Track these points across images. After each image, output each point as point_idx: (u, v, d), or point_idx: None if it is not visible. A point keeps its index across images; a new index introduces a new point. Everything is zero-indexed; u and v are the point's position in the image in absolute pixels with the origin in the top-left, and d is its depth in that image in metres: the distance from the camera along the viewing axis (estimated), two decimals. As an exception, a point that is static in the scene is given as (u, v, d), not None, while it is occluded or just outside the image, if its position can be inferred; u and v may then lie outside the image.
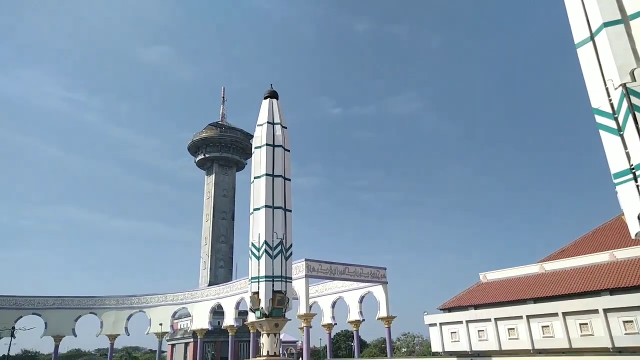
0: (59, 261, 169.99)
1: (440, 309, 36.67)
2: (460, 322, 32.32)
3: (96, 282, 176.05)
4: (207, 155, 75.09)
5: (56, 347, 49.09)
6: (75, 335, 49.46)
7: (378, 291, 41.45)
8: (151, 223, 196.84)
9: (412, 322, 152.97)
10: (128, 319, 50.50)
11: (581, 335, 25.05)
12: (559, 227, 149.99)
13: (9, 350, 43.41)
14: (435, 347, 34.88)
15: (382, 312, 40.65)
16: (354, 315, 43.39)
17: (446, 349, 33.54)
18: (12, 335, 42.49)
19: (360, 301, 43.24)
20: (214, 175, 74.67)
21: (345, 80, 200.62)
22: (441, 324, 34.17)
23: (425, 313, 36.78)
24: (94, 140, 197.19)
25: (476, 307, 33.34)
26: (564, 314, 25.90)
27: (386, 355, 42.06)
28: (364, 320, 43.52)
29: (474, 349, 30.97)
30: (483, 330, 30.81)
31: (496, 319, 29.94)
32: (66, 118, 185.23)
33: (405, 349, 67.67)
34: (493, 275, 36.46)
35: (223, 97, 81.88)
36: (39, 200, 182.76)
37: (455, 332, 32.66)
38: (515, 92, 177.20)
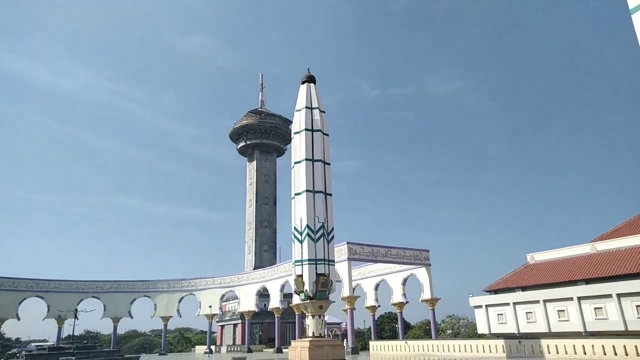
0: (113, 247, 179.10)
1: (486, 291, 36.08)
2: (507, 304, 31.76)
3: (149, 266, 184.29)
4: (248, 142, 76.30)
5: (115, 328, 52.17)
6: (132, 317, 52.34)
7: (421, 273, 41.23)
8: (198, 209, 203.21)
9: (457, 304, 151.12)
10: (179, 301, 52.80)
11: (638, 318, 24.05)
12: (610, 206, 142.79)
13: (73, 330, 46.49)
14: (481, 329, 34.48)
15: (426, 294, 40.47)
16: (398, 297, 43.44)
17: (493, 331, 33.10)
18: (76, 317, 45.39)
19: (404, 283, 43.19)
20: (255, 161, 75.90)
21: (382, 61, 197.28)
22: (487, 305, 33.71)
23: (471, 295, 36.32)
24: (139, 130, 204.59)
25: (524, 288, 32.57)
26: (619, 295, 24.92)
27: (431, 337, 41.94)
28: (407, 302, 43.51)
29: (521, 331, 30.41)
30: (531, 312, 30.16)
31: (545, 301, 29.21)
32: (113, 110, 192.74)
33: (450, 331, 67.13)
34: (541, 256, 35.40)
35: (261, 84, 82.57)
36: (91, 190, 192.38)
37: (502, 314, 32.14)
38: (561, 67, 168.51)
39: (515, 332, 30.68)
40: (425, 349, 30.82)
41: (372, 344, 37.32)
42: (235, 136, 78.33)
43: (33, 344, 50.00)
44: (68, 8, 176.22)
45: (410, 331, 66.18)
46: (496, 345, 26.42)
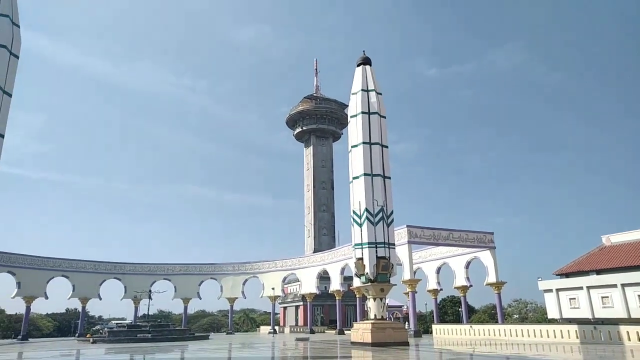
0: (182, 233, 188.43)
1: (557, 275, 34.42)
2: (580, 288, 30.16)
3: (215, 250, 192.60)
4: (304, 128, 76.93)
5: (185, 308, 55.24)
6: (200, 298, 55.14)
7: (485, 256, 39.97)
8: (261, 196, 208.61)
9: (524, 288, 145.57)
10: (244, 283, 54.85)
11: None
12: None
13: (148, 309, 49.82)
14: (552, 313, 33.02)
15: (491, 278, 39.25)
16: (461, 280, 42.48)
17: (564, 316, 31.61)
18: (150, 297, 48.54)
19: (467, 267, 42.12)
20: (311, 146, 76.50)
21: (439, 39, 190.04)
22: (558, 290, 32.20)
23: (540, 279, 34.81)
24: (203, 121, 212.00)
25: (598, 272, 30.76)
26: None
27: (497, 322, 40.73)
28: (471, 286, 42.44)
29: (596, 316, 28.81)
30: (607, 297, 28.48)
31: (623, 285, 27.45)
32: (178, 102, 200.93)
33: (517, 316, 64.87)
34: (618, 238, 33.14)
35: (316, 69, 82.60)
36: (159, 179, 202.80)
37: (574, 299, 30.60)
38: (634, 34, 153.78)
39: (590, 317, 29.10)
40: (492, 334, 30.01)
41: (435, 327, 36.87)
42: (292, 122, 79.20)
43: (113, 322, 54.11)
44: (129, 5, 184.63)
45: (475, 315, 64.65)
46: (569, 331, 25.20)
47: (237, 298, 54.83)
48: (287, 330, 57.71)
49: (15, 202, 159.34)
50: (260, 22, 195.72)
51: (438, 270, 44.72)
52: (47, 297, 48.57)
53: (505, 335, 28.83)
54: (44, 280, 47.92)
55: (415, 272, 40.45)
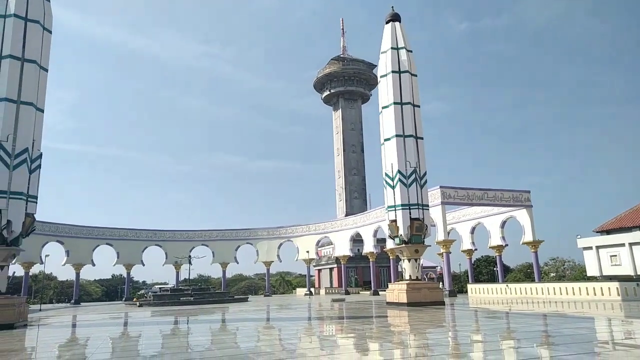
0: (217, 200, 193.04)
1: (597, 232, 33.57)
2: (622, 245, 29.39)
3: (250, 216, 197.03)
4: (332, 91, 75.92)
5: (223, 272, 57.23)
6: (237, 263, 56.93)
7: (522, 215, 39.28)
8: (289, 161, 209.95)
9: (561, 247, 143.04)
10: (279, 247, 56.14)
11: None
12: None
13: (188, 274, 52.00)
14: (591, 271, 32.45)
15: (528, 237, 38.68)
16: (496, 240, 42.06)
17: (604, 273, 31.02)
18: (189, 262, 50.49)
19: (502, 226, 41.56)
20: (340, 109, 75.67)
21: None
22: (598, 247, 31.49)
23: (579, 236, 34.10)
24: (231, 89, 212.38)
25: (642, 228, 29.76)
26: None
27: (533, 280, 40.44)
28: (506, 245, 42.00)
29: (639, 273, 28.09)
30: (651, 253, 27.60)
31: (669, 241, 26.48)
32: (205, 71, 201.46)
33: (554, 274, 64.09)
34: (664, 193, 31.72)
35: (342, 29, 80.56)
36: (192, 148, 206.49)
37: (615, 256, 29.90)
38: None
39: (632, 274, 28.44)
40: (528, 292, 29.84)
41: (470, 286, 36.94)
42: (320, 85, 78.24)
43: (157, 286, 56.68)
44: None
45: (510, 274, 64.34)
46: (609, 288, 24.73)
47: (272, 262, 56.27)
48: (322, 292, 59.12)
49: (58, 175, 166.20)
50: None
51: (472, 231, 44.36)
52: (94, 264, 51.26)
53: (542, 294, 28.61)
54: (90, 248, 50.43)
55: (449, 233, 40.29)
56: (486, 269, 65.11)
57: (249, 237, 56.78)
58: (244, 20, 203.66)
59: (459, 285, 54.80)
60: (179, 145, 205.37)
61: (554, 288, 28.42)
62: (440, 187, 36.37)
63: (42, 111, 18.49)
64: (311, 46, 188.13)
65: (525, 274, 62.20)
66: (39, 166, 18.09)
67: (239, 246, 56.52)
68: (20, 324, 16.63)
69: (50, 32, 19.24)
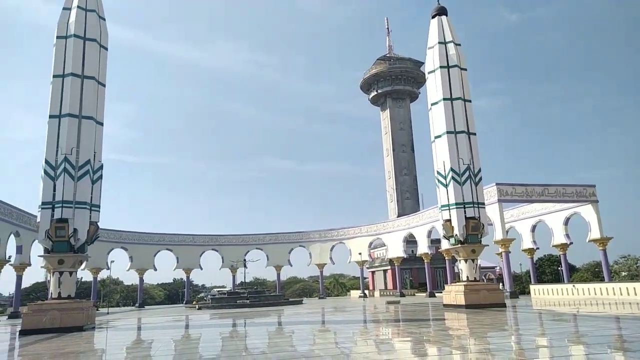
0: (269, 204, 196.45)
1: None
2: None
3: (301, 220, 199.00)
4: (379, 91, 75.21)
5: (278, 275, 57.97)
6: (291, 265, 57.50)
7: (587, 211, 36.96)
8: (338, 164, 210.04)
9: (634, 244, 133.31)
10: (331, 249, 56.15)
11: None
12: None
13: (244, 277, 53.06)
14: (670, 269, 29.88)
15: (594, 234, 36.34)
16: (559, 238, 39.82)
17: (685, 272, 28.45)
18: (245, 266, 51.60)
19: (566, 223, 39.29)
20: (388, 109, 74.79)
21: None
22: (676, 243, 28.99)
23: (653, 232, 31.48)
24: (278, 95, 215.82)
25: None
26: None
27: (602, 280, 37.88)
28: (571, 243, 39.67)
29: None
30: None
31: None
32: (254, 78, 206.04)
33: (625, 273, 59.76)
34: None
35: (387, 28, 79.75)
36: (244, 155, 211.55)
37: (697, 253, 27.29)
38: None
39: None
40: (597, 293, 27.95)
41: (533, 287, 35.17)
42: (366, 87, 77.75)
43: (215, 290, 58.36)
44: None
45: (576, 274, 60.68)
46: (691, 288, 22.66)
47: (325, 264, 56.35)
48: (376, 294, 58.49)
49: (118, 185, 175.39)
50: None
51: (533, 229, 42.25)
52: (155, 269, 53.58)
53: (614, 294, 26.68)
54: (151, 254, 52.75)
55: (507, 232, 38.66)
56: (549, 269, 61.80)
57: (302, 240, 57.21)
58: (287, 26, 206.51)
59: (520, 286, 52.34)
60: (231, 152, 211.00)
61: (626, 288, 26.41)
62: (497, 184, 34.96)
63: (102, 124, 19.54)
64: (356, 47, 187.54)
65: (593, 274, 58.44)
66: (101, 177, 19.10)
67: (292, 249, 57.07)
68: (89, 327, 17.56)
69: (106, 49, 20.33)
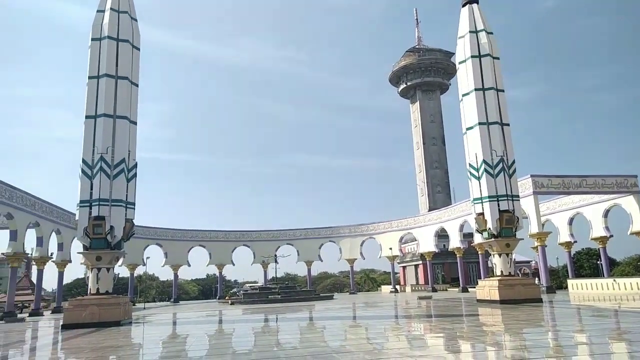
0: (299, 199, 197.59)
1: None
2: None
3: (331, 215, 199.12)
4: (408, 84, 74.20)
5: (308, 270, 58.21)
6: (322, 261, 57.56)
7: (628, 202, 35.40)
8: (367, 158, 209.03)
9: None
10: (361, 245, 55.91)
11: None
12: None
13: (275, 273, 53.61)
14: None
15: (636, 226, 34.78)
16: (598, 231, 38.34)
17: None
18: (276, 262, 52.06)
19: (605, 215, 37.76)
20: (418, 102, 73.74)
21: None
22: None
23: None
24: (307, 89, 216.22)
25: None
26: None
27: (646, 274, 36.36)
28: (611, 236, 38.13)
29: None
30: None
31: None
32: (284, 75, 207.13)
33: (671, 267, 57.15)
34: None
35: (416, 19, 78.50)
36: (273, 151, 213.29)
37: None
38: None
39: None
40: (640, 288, 26.80)
41: (571, 282, 34.06)
42: (396, 79, 76.85)
43: (247, 285, 59.17)
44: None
45: (617, 268, 58.35)
46: None
47: (356, 259, 56.17)
48: (408, 289, 57.96)
49: (152, 182, 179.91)
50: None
51: (570, 221, 40.83)
52: (189, 265, 54.71)
53: (659, 289, 25.53)
54: (185, 250, 53.89)
55: (543, 225, 37.54)
56: (588, 263, 59.72)
57: (332, 235, 57.21)
58: (315, 21, 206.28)
59: (557, 281, 50.79)
60: (261, 148, 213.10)
61: (672, 283, 25.24)
62: (531, 175, 33.94)
63: (135, 123, 20.04)
64: (386, 40, 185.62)
65: (636, 268, 56.09)
66: (135, 175, 19.60)
67: (322, 244, 57.14)
68: (126, 322, 18.11)
69: (138, 49, 20.81)
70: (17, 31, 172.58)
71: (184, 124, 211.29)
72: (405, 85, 74.80)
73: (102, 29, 19.81)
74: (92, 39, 19.94)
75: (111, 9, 20.16)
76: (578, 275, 51.65)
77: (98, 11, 20.32)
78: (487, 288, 21.60)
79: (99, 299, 17.63)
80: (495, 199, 21.82)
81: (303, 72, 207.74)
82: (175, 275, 54.97)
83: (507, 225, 21.56)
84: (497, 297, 20.38)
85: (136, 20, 20.96)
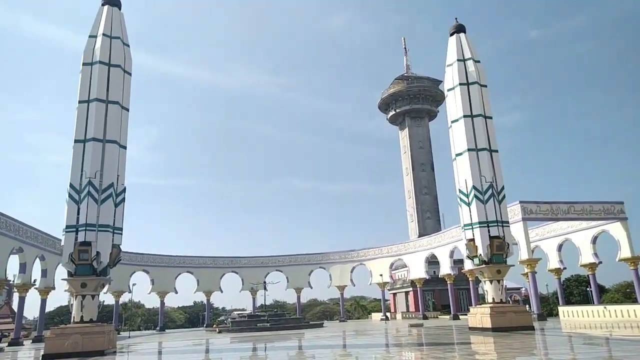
0: (287, 225, 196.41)
1: None
2: None
3: (321, 241, 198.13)
4: (397, 110, 75.24)
5: (298, 297, 57.34)
6: (311, 287, 56.76)
7: (616, 229, 35.72)
8: (359, 183, 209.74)
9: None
10: (351, 271, 55.35)
11: None
12: None
13: (264, 300, 52.72)
14: None
15: (624, 253, 35.01)
16: (587, 257, 38.48)
17: None
18: (265, 289, 51.22)
19: (594, 242, 38.01)
20: (407, 128, 74.64)
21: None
22: None
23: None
24: (297, 115, 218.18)
25: None
26: None
27: (634, 301, 36.34)
28: (600, 262, 38.28)
29: None
30: None
31: None
32: (275, 100, 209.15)
33: (659, 294, 57.36)
34: None
35: (405, 48, 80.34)
36: (263, 175, 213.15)
37: None
38: None
39: None
40: (630, 315, 26.76)
41: (562, 309, 33.93)
42: (385, 106, 77.94)
43: (235, 313, 57.95)
44: (219, 13, 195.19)
45: (606, 295, 58.53)
46: None
47: (346, 286, 55.51)
48: (398, 316, 57.26)
49: (140, 207, 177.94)
50: (343, 10, 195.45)
51: (559, 248, 40.99)
52: (176, 292, 53.53)
53: (650, 316, 25.50)
54: (172, 277, 52.84)
55: (533, 251, 37.58)
56: (577, 290, 59.79)
57: (322, 261, 56.65)
58: (306, 48, 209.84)
59: (547, 308, 50.66)
60: (250, 172, 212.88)
61: (662, 310, 25.26)
62: (520, 202, 34.17)
63: (125, 148, 19.89)
64: (374, 68, 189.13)
65: (624, 295, 56.28)
66: (124, 200, 19.31)
67: (312, 271, 56.47)
68: (110, 351, 17.50)
69: (130, 74, 20.85)
70: (11, 57, 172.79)
71: (174, 148, 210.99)
72: (394, 112, 75.82)
73: (94, 54, 19.86)
74: (84, 64, 19.94)
75: (103, 34, 20.25)
76: (568, 302, 51.55)
77: (90, 36, 20.39)
78: (479, 315, 21.38)
79: (82, 327, 17.06)
80: (486, 224, 21.85)
81: (294, 98, 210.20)
82: (162, 303, 53.72)
83: (498, 252, 21.53)
84: (489, 325, 20.16)
85: (128, 45, 21.07)
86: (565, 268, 41.59)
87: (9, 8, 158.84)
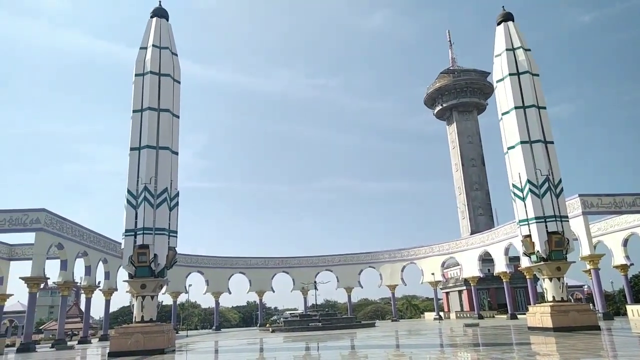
0: (337, 225, 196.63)
1: None
2: None
3: (371, 240, 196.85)
4: (444, 105, 73.42)
5: (348, 297, 57.28)
6: (362, 287, 56.56)
7: (690, 221, 33.13)
8: (404, 181, 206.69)
9: None
10: (402, 270, 54.62)
11: None
12: None
13: (315, 299, 53.09)
14: None
15: (701, 246, 32.39)
16: (658, 252, 35.93)
17: None
18: (315, 288, 51.56)
19: (664, 235, 35.44)
20: (455, 123, 72.65)
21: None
22: None
23: None
24: (341, 115, 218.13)
25: None
26: None
27: None
28: (673, 257, 35.64)
29: None
30: None
31: None
32: (316, 102, 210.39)
33: None
34: None
35: (450, 41, 78.25)
36: (310, 176, 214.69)
37: None
38: None
39: None
40: None
41: (630, 308, 31.85)
42: (431, 101, 76.29)
43: (287, 312, 58.71)
44: (257, 20, 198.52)
45: (680, 292, 54.35)
46: None
47: (397, 285, 54.86)
48: (452, 315, 55.87)
49: (193, 211, 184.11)
50: (384, 7, 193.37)
51: (625, 243, 38.50)
52: (230, 292, 54.96)
53: None
54: (226, 277, 54.29)
55: (595, 247, 35.55)
56: (647, 287, 55.96)
57: (371, 260, 56.29)
58: (348, 46, 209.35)
59: (614, 307, 47.81)
60: (299, 174, 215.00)
61: None
62: (580, 195, 32.41)
63: (177, 154, 20.65)
64: (420, 63, 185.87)
65: (703, 292, 52.07)
66: (177, 203, 20.07)
67: (361, 270, 56.25)
68: (169, 350, 18.21)
69: (179, 82, 21.64)
70: (65, 72, 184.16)
71: (222, 153, 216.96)
72: (440, 107, 74.07)
73: (145, 65, 20.77)
74: (136, 75, 20.92)
75: (153, 45, 21.14)
76: (637, 300, 48.33)
77: (141, 48, 21.35)
78: (538, 314, 20.47)
79: (143, 326, 17.87)
80: (543, 220, 20.88)
81: (337, 98, 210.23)
82: (217, 303, 55.32)
83: (557, 248, 20.50)
84: (550, 324, 19.25)
85: (176, 54, 21.87)
86: (632, 264, 39.05)
87: (65, 28, 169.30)
